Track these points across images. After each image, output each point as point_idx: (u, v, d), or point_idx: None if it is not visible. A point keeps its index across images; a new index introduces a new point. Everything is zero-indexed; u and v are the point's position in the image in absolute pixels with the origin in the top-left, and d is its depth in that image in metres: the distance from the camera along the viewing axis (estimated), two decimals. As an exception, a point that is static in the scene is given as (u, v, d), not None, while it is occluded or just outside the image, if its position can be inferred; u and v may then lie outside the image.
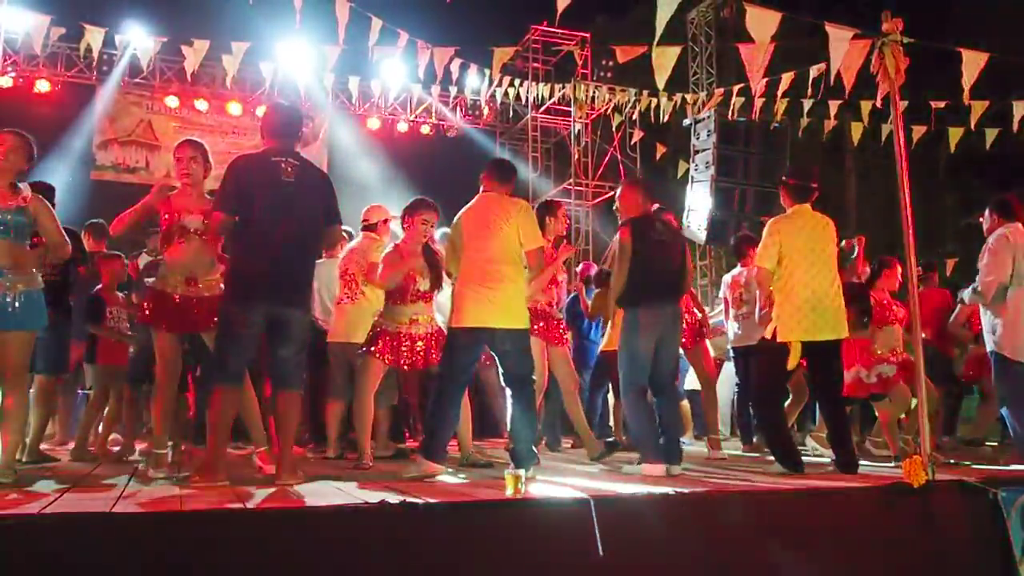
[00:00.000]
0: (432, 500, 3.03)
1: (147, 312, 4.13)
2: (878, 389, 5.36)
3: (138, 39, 8.40)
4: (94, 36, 6.71)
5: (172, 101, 12.85)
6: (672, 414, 4.54)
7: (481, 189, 4.37)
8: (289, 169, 3.80)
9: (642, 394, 4.44)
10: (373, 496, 3.09)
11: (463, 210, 4.33)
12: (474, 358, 4.27)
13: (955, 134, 7.86)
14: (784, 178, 4.79)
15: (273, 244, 3.72)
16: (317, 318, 6.18)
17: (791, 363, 4.46)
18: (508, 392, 4.33)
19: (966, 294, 5.31)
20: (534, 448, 4.27)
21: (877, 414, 5.64)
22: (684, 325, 5.59)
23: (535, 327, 5.31)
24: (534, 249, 4.25)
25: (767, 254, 4.55)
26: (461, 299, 4.15)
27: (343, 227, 4.48)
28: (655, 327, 4.43)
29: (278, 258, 3.72)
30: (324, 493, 3.35)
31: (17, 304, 3.76)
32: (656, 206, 4.79)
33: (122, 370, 5.60)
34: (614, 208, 4.90)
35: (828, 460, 4.77)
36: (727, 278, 6.65)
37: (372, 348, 4.81)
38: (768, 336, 4.54)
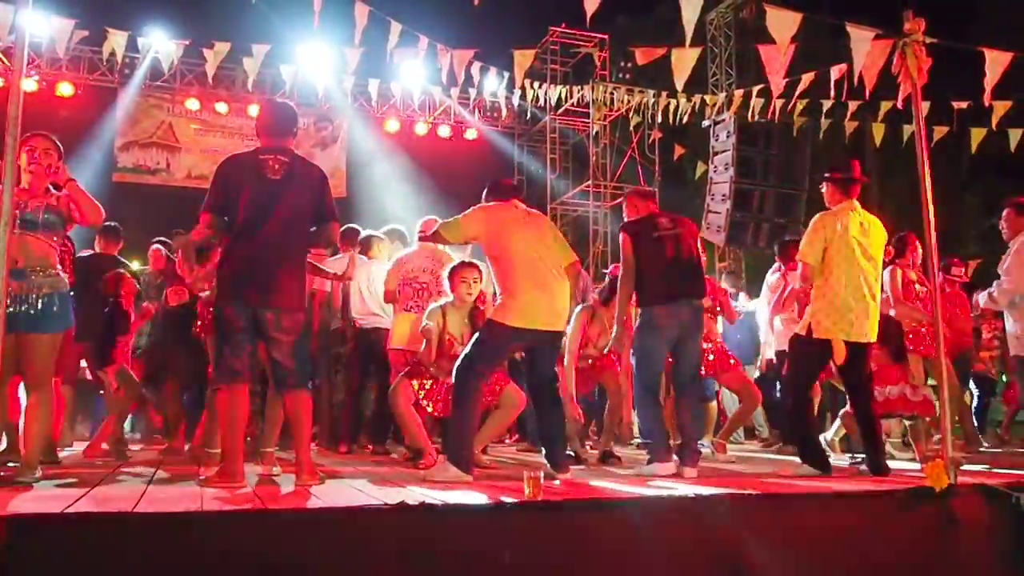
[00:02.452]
0: (450, 501, 3.04)
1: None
2: (919, 410, 5.29)
3: (159, 42, 8.47)
4: (117, 40, 6.78)
5: (193, 104, 12.99)
6: (690, 416, 4.49)
7: (496, 198, 4.40)
8: (276, 166, 3.76)
9: (654, 394, 4.45)
10: (392, 497, 3.10)
11: (492, 206, 4.34)
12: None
13: (977, 135, 7.77)
14: (828, 173, 4.64)
15: (255, 242, 3.69)
16: (354, 318, 6.25)
17: (837, 359, 4.37)
18: (534, 396, 4.38)
19: (981, 298, 5.26)
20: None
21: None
22: (711, 355, 5.62)
23: None
24: (575, 262, 4.38)
25: (812, 250, 4.41)
26: (523, 297, 4.10)
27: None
28: (669, 326, 4.42)
29: (258, 257, 3.69)
30: (343, 494, 3.36)
31: (41, 305, 3.75)
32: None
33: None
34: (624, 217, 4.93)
35: (846, 463, 4.74)
36: (771, 279, 6.70)
37: (409, 374, 4.96)
38: (802, 332, 4.45)
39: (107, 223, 6.51)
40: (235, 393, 3.71)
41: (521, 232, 4.22)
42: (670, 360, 4.66)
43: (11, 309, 3.63)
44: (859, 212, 4.49)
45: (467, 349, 4.18)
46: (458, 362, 4.16)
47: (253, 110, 13.15)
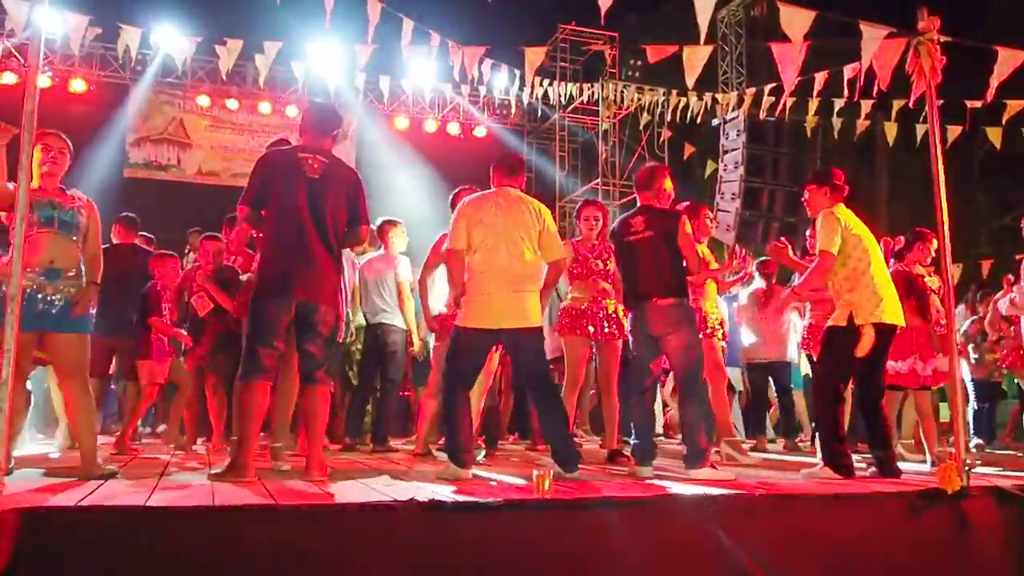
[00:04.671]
0: (460, 499, 3.05)
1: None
2: (930, 382, 5.32)
3: (172, 39, 8.50)
4: (130, 36, 6.80)
5: (204, 100, 13.05)
6: (691, 415, 4.33)
7: (496, 184, 4.31)
8: (316, 165, 3.81)
9: (641, 394, 4.41)
10: (402, 494, 3.10)
11: (471, 199, 4.28)
12: (483, 361, 4.23)
13: (993, 134, 7.72)
14: (821, 180, 4.63)
15: (296, 238, 3.73)
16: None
17: (864, 348, 4.29)
18: (529, 394, 4.36)
19: (1003, 304, 5.25)
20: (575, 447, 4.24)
21: (918, 416, 5.57)
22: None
23: (567, 325, 5.34)
24: (557, 260, 4.26)
25: (833, 240, 4.35)
26: (474, 295, 4.10)
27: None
28: (642, 326, 4.40)
29: (304, 254, 3.74)
30: (353, 490, 3.37)
31: (67, 306, 3.73)
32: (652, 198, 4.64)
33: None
34: None
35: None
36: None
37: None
38: (841, 323, 4.37)
39: (125, 213, 6.58)
40: (259, 389, 3.74)
41: (483, 226, 4.12)
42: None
43: (43, 308, 3.65)
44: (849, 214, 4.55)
45: (445, 359, 4.23)
46: (442, 373, 4.22)
47: (263, 107, 13.22)
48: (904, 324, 4.48)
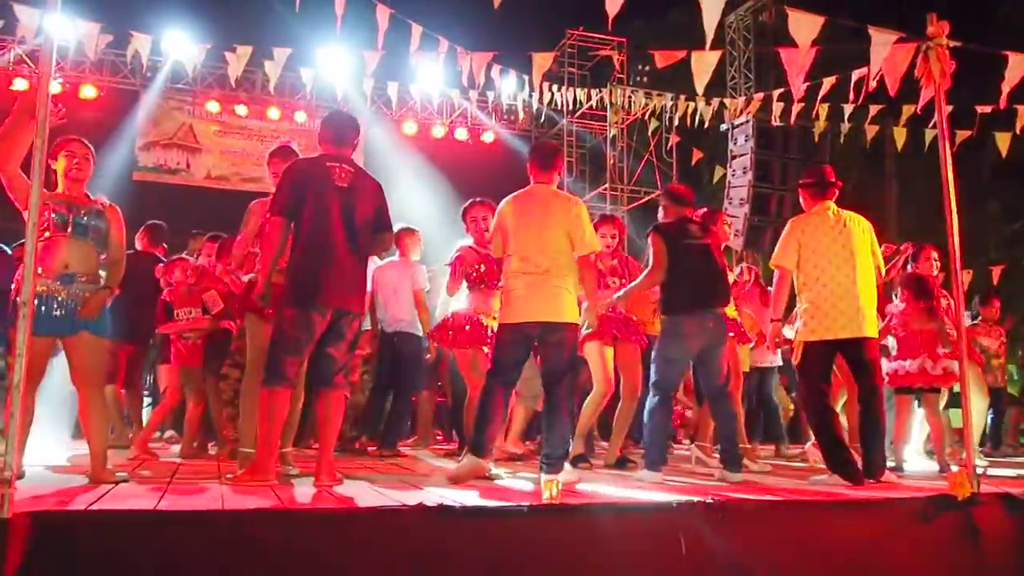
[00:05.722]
0: (468, 503, 3.05)
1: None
2: (941, 382, 5.32)
3: (182, 46, 8.55)
4: (141, 43, 6.85)
5: (213, 106, 13.11)
6: (728, 421, 4.47)
7: (531, 181, 4.32)
8: (343, 175, 3.86)
9: (666, 399, 4.46)
10: (411, 498, 3.11)
11: (510, 197, 4.31)
12: (523, 356, 4.19)
13: (1003, 139, 7.68)
14: (800, 182, 4.74)
15: (328, 247, 3.77)
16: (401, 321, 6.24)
17: (794, 359, 4.43)
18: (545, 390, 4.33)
19: None
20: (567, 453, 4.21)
21: (928, 424, 5.55)
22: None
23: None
24: (585, 255, 4.18)
25: (784, 254, 4.47)
26: (507, 294, 4.15)
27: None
28: (697, 336, 4.42)
29: (333, 261, 3.77)
30: (362, 494, 3.38)
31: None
32: (695, 213, 4.77)
33: (197, 371, 5.71)
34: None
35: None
36: None
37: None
38: (796, 338, 4.45)
39: (152, 221, 6.61)
40: (282, 396, 3.77)
41: (514, 228, 4.18)
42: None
43: (57, 313, 3.65)
44: (835, 212, 4.51)
45: (493, 355, 4.30)
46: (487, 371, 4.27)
47: (272, 112, 13.28)
48: (867, 335, 4.37)
